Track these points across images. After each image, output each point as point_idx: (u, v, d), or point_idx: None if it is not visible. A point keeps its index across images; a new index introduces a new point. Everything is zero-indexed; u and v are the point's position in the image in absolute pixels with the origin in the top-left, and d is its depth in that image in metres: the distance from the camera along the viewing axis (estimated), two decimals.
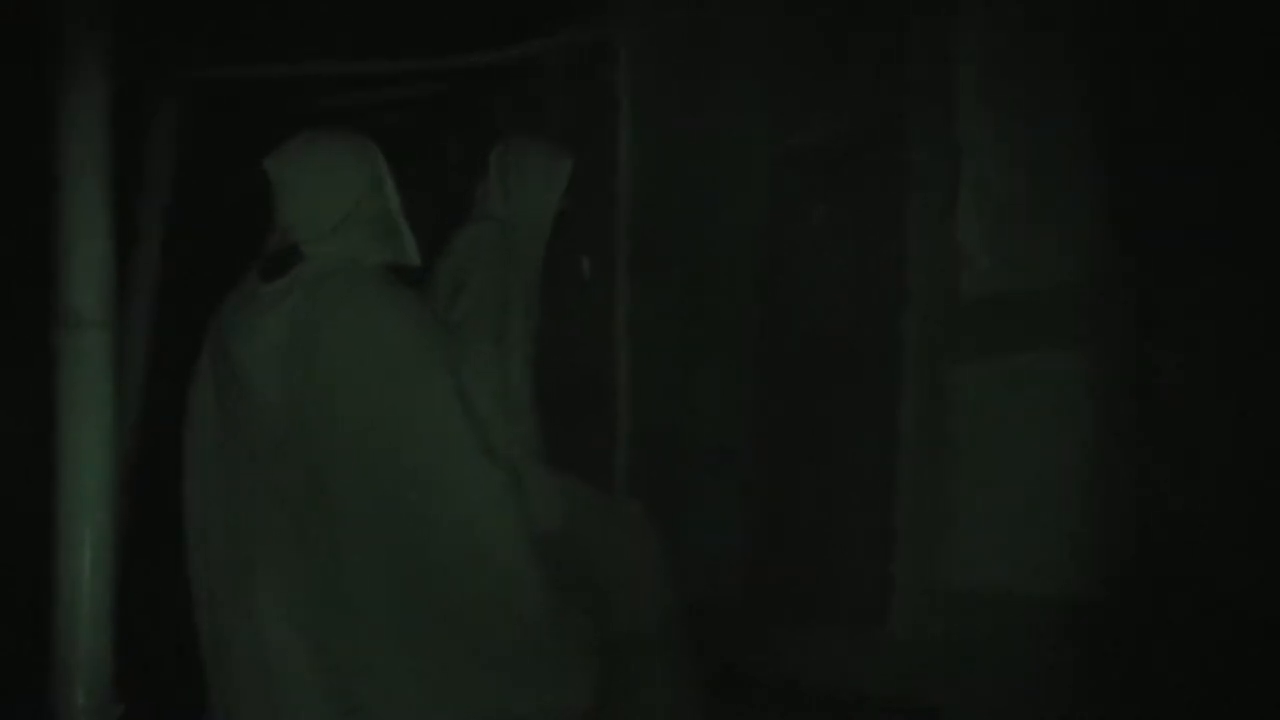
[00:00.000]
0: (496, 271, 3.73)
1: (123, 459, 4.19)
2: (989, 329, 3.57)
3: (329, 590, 2.84)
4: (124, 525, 4.14)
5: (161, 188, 4.42)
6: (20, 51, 3.83)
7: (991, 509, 3.54)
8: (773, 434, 4.50)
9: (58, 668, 2.50)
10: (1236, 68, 3.04)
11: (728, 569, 4.54)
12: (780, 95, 4.46)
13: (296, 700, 2.83)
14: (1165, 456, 3.15)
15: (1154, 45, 3.20)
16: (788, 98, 4.44)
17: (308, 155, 3.02)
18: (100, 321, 2.54)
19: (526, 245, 3.84)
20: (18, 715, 2.93)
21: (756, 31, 4.52)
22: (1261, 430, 2.99)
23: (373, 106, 5.66)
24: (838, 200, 4.29)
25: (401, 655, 2.85)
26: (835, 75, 4.27)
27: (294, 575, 2.85)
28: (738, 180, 4.54)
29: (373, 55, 5.10)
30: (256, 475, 2.88)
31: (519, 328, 3.80)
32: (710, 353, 4.62)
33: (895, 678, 3.76)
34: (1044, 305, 3.44)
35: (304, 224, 2.98)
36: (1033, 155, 3.45)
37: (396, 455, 2.87)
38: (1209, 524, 3.07)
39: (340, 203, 2.99)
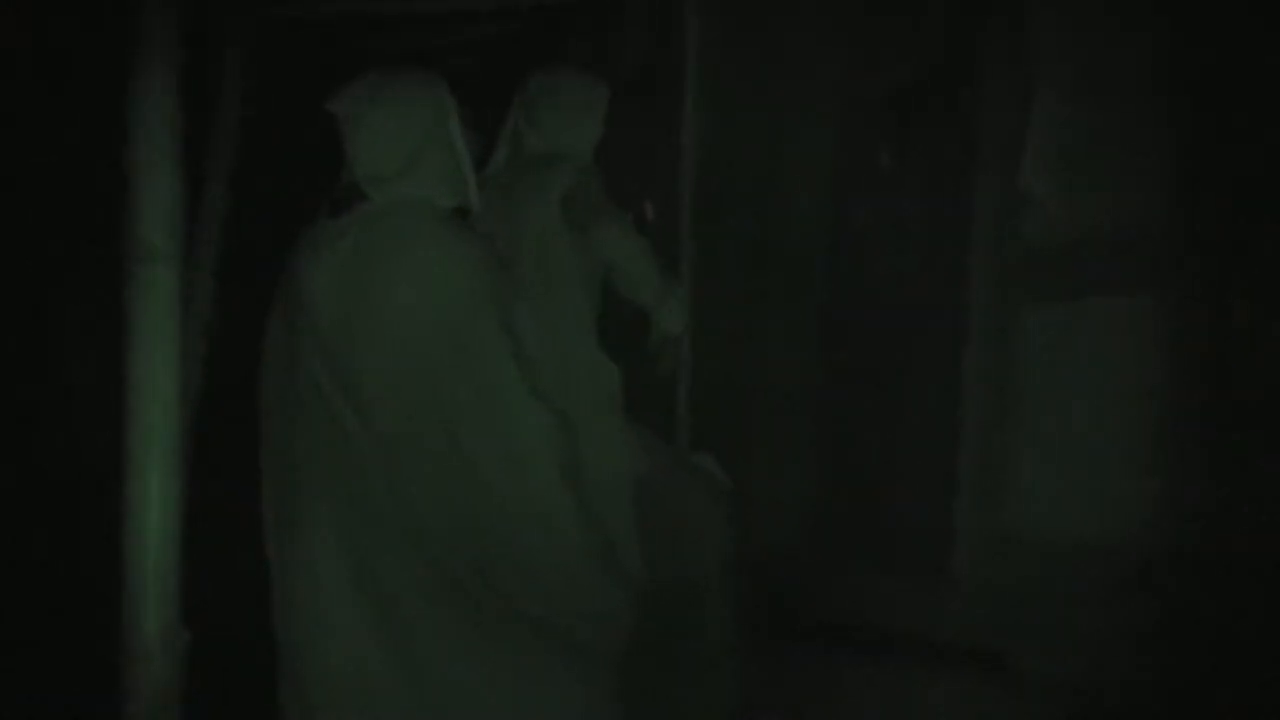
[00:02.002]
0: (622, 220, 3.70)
1: (189, 394, 4.28)
2: (1057, 274, 3.54)
3: (375, 519, 2.88)
4: (189, 458, 4.23)
5: (230, 126, 4.43)
6: None
7: (1056, 456, 3.54)
8: (837, 380, 4.49)
9: (126, 597, 2.53)
10: None
11: (792, 515, 4.55)
12: (849, 38, 4.43)
13: (344, 629, 2.88)
14: (1234, 404, 3.12)
15: None
16: (857, 41, 4.41)
17: (376, 93, 3.02)
18: (169, 255, 2.56)
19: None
20: (90, 647, 2.98)
21: None
22: None
23: (442, 47, 5.65)
24: (905, 144, 4.25)
25: (445, 583, 2.89)
26: (905, 18, 4.23)
27: (343, 504, 2.89)
28: (805, 124, 4.52)
29: None
30: (314, 405, 2.92)
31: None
32: (775, 298, 4.61)
33: (959, 624, 3.76)
34: (1113, 251, 3.42)
35: (370, 162, 2.99)
36: (1104, 99, 3.41)
37: (443, 388, 2.89)
38: (1278, 474, 3.05)
39: (407, 142, 2.99)
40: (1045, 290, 3.58)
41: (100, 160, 3.07)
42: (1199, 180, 3.22)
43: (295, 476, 2.96)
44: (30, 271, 4.64)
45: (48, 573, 4.34)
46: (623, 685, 3.23)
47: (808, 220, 4.52)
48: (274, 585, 3.02)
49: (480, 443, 2.90)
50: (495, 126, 3.88)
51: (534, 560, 2.94)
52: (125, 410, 2.54)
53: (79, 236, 4.51)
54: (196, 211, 4.42)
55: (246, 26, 4.42)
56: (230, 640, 3.21)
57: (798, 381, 4.57)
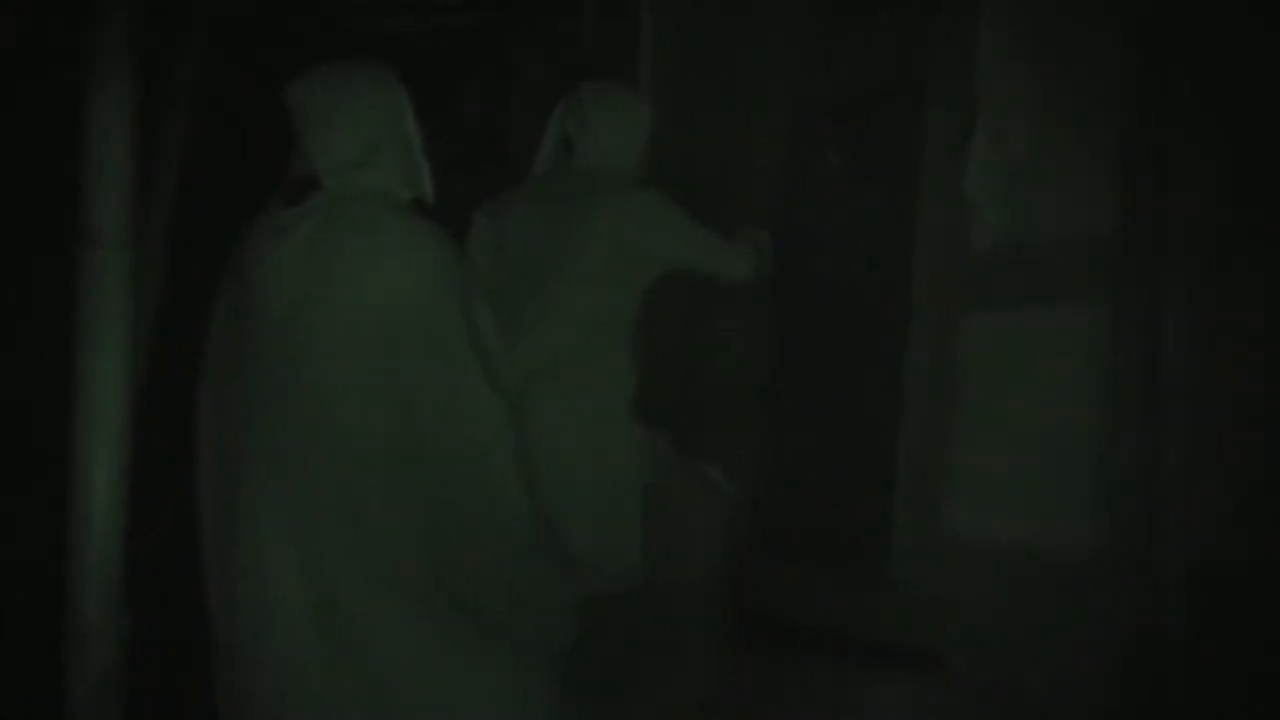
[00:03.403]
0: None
1: (138, 382, 4.25)
2: (998, 283, 3.57)
3: (322, 512, 2.87)
4: (135, 443, 4.21)
5: (183, 109, 4.41)
6: None
7: (996, 461, 3.56)
8: (783, 381, 4.50)
9: (69, 579, 2.53)
10: (1261, 26, 3.04)
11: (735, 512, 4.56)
12: (802, 44, 4.44)
13: (287, 622, 2.87)
14: (1173, 412, 3.16)
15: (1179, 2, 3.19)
16: (810, 47, 4.42)
17: (332, 85, 3.00)
18: (119, 240, 2.56)
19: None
20: (31, 630, 2.97)
21: None
22: (1270, 388, 3.01)
23: (398, 35, 5.63)
24: (854, 151, 4.28)
25: (389, 578, 2.89)
26: (858, 26, 4.25)
27: (291, 497, 2.88)
28: (758, 128, 4.52)
29: None
30: (258, 399, 2.90)
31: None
32: (723, 301, 4.61)
33: (896, 625, 3.79)
34: (1054, 260, 3.44)
35: (326, 154, 2.97)
36: (1049, 110, 3.44)
37: (401, 378, 2.88)
38: (1215, 481, 3.09)
39: (365, 134, 2.98)
40: (986, 298, 3.61)
41: (52, 143, 3.05)
42: (1139, 190, 3.24)
43: (241, 468, 2.93)
44: None
45: None
46: (594, 680, 3.25)
47: (758, 224, 4.53)
48: (211, 574, 3.00)
49: (436, 433, 2.89)
50: (455, 116, 3.89)
51: (483, 553, 2.94)
52: (73, 395, 2.54)
53: (28, 220, 4.48)
54: (148, 197, 4.40)
55: (202, 9, 4.40)
56: (177, 624, 3.20)
57: (744, 382, 4.58)
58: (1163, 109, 3.21)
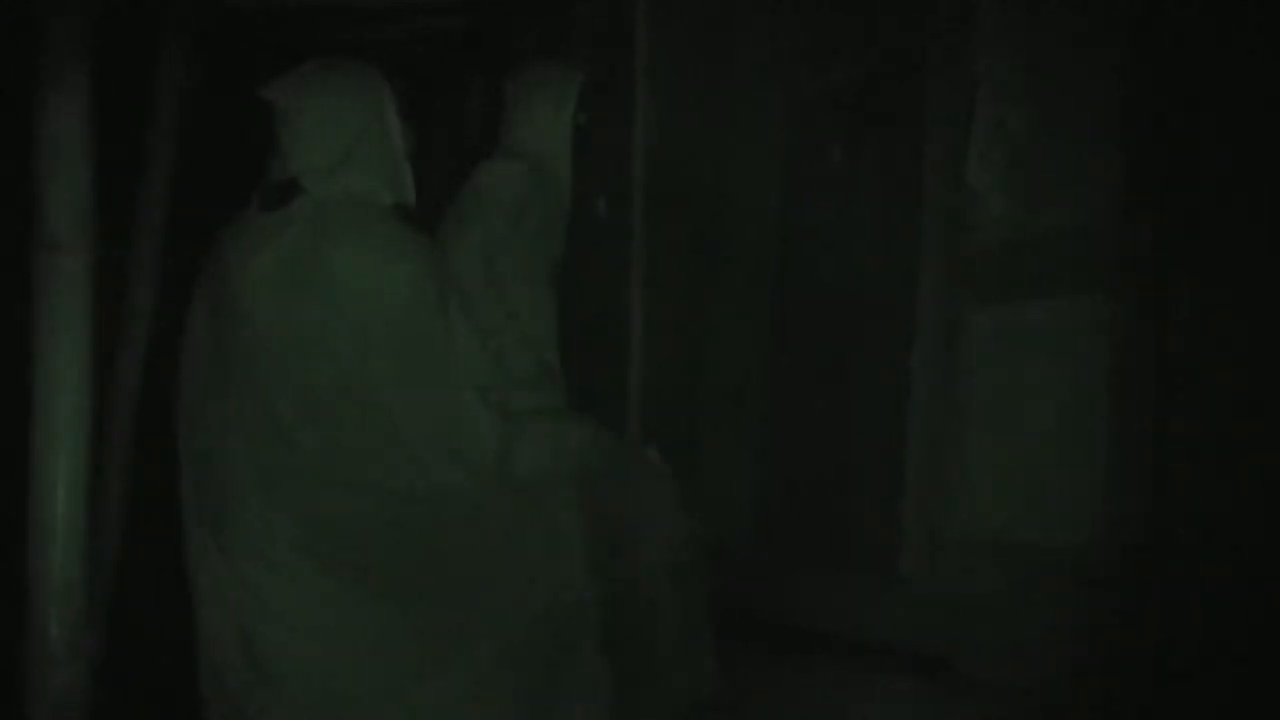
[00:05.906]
0: (538, 210, 3.72)
1: (128, 392, 4.23)
2: (1004, 274, 3.52)
3: (314, 519, 2.82)
4: (127, 460, 4.17)
5: (170, 117, 4.37)
6: None
7: (1004, 457, 3.51)
8: (787, 380, 4.48)
9: (31, 598, 2.48)
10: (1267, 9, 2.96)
11: (740, 514, 4.53)
12: (799, 36, 4.43)
13: (276, 635, 2.82)
14: (1180, 405, 3.09)
15: None
16: (806, 39, 4.40)
17: (314, 85, 2.98)
18: (79, 246, 2.51)
19: (547, 172, 3.83)
20: None
21: None
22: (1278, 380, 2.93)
23: (393, 40, 5.62)
24: (854, 143, 4.24)
25: (384, 583, 2.85)
26: (854, 16, 4.21)
27: (277, 506, 2.83)
28: (755, 123, 4.51)
29: None
30: (242, 405, 2.86)
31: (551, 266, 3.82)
32: (725, 298, 4.60)
33: (905, 626, 3.73)
34: (1060, 250, 3.39)
35: (306, 154, 2.95)
36: (1051, 97, 3.39)
37: (389, 386, 2.86)
38: (1223, 475, 3.02)
39: (345, 134, 2.96)
40: (992, 290, 3.55)
41: (11, 148, 3.01)
42: (1145, 180, 3.19)
43: (230, 479, 2.88)
44: None
45: None
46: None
47: (758, 219, 4.51)
48: (197, 594, 2.95)
49: (421, 435, 2.87)
50: (443, 118, 3.89)
51: (473, 556, 2.91)
52: (31, 407, 2.49)
53: None
54: (138, 203, 4.38)
55: (188, 13, 4.36)
56: (155, 645, 3.15)
57: (748, 381, 4.55)
58: (1167, 93, 3.14)
